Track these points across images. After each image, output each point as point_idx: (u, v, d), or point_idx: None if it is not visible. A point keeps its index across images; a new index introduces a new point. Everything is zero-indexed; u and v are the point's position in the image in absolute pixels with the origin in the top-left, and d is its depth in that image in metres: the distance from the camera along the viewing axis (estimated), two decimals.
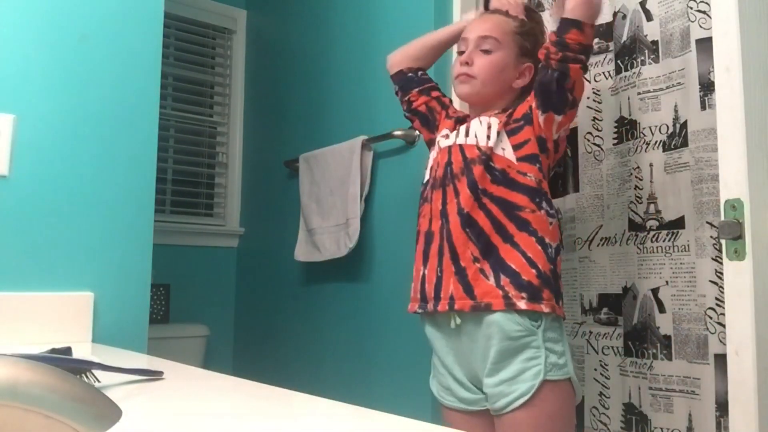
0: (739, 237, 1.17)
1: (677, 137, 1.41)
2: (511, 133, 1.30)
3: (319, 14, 2.41)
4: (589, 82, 1.58)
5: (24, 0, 1.30)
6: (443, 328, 1.32)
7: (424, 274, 1.32)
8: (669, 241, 1.41)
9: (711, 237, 1.32)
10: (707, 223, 1.33)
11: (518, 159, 1.28)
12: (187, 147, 2.82)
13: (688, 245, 1.37)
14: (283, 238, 2.43)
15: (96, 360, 0.82)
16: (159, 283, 2.49)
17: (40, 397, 0.55)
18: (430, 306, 1.30)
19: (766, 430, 1.12)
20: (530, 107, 1.31)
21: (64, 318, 1.26)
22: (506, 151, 1.29)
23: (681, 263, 1.38)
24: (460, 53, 1.41)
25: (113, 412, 0.58)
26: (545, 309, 1.22)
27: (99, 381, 0.77)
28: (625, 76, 1.52)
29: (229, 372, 1.03)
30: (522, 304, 1.21)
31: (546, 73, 1.27)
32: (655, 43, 1.46)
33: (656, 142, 1.45)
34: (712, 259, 1.31)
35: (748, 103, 1.19)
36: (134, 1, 1.42)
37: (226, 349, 2.73)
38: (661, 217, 1.43)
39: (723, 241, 1.21)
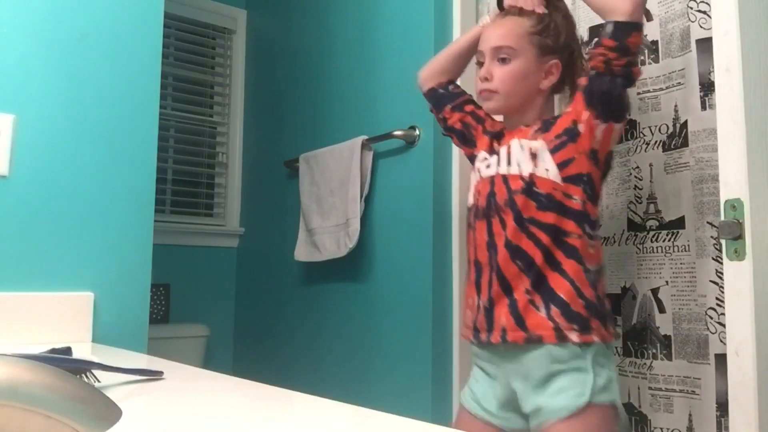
0: (739, 237, 1.17)
1: (677, 137, 1.41)
2: (554, 151, 1.24)
3: (319, 14, 2.41)
4: None
5: (24, 0, 1.30)
6: (491, 348, 1.29)
7: (478, 304, 1.29)
8: (669, 241, 1.41)
9: (711, 237, 1.32)
10: (707, 223, 1.33)
11: (564, 179, 1.23)
12: (187, 147, 2.82)
13: (688, 245, 1.37)
14: (283, 238, 2.43)
15: (96, 360, 0.83)
16: (159, 283, 2.49)
17: (40, 397, 0.55)
18: (483, 336, 1.27)
19: (766, 430, 1.12)
20: (573, 121, 1.24)
21: (64, 318, 1.26)
22: (550, 172, 1.23)
23: (681, 263, 1.38)
24: (479, 64, 1.36)
25: (113, 412, 0.58)
26: (595, 338, 1.20)
27: (99, 381, 0.77)
28: None
29: (229, 372, 1.03)
30: (574, 337, 1.18)
31: (605, 80, 1.20)
32: (655, 43, 1.46)
33: (656, 142, 1.45)
34: (713, 259, 1.31)
35: (748, 103, 1.19)
36: (134, 1, 1.42)
37: (226, 349, 2.73)
38: (661, 217, 1.43)
39: (723, 241, 1.21)
